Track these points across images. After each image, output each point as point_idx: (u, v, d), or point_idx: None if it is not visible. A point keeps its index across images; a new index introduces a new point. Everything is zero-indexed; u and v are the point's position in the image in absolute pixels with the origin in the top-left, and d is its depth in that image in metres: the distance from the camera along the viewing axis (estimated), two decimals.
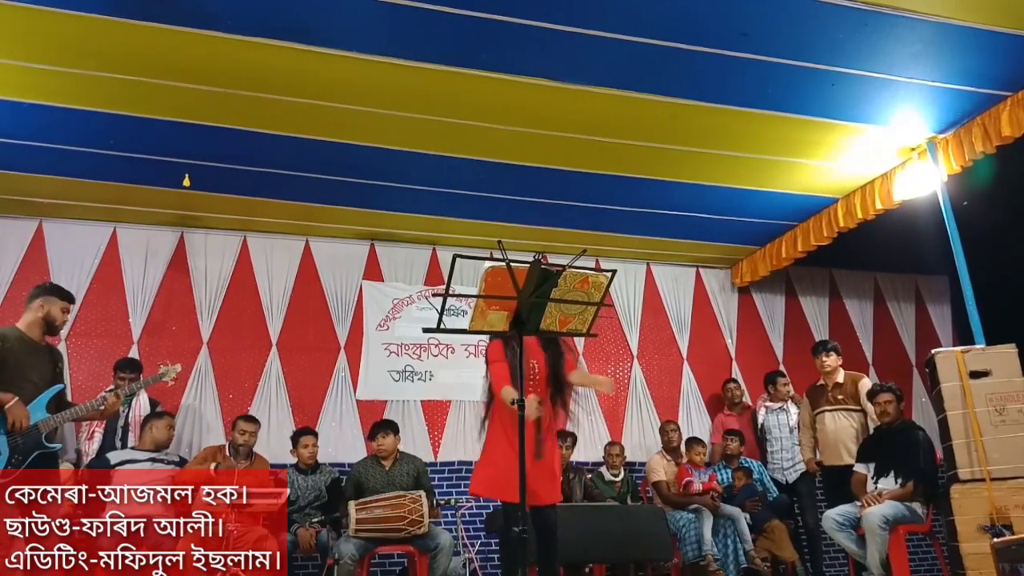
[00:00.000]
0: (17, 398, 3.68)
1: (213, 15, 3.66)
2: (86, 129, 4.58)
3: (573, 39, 3.88)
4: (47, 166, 5.04)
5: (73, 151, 4.84)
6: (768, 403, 6.28)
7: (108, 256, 5.95)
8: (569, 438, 5.66)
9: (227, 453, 4.95)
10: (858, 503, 4.83)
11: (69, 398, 4.14)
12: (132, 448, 4.96)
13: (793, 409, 6.11)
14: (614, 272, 2.85)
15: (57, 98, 4.29)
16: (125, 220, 5.96)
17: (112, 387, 4.73)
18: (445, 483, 6.11)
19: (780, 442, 6.06)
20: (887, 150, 5.11)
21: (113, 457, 4.72)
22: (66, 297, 4.00)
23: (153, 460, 4.83)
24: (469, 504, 5.76)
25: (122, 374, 5.10)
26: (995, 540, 3.83)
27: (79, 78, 4.09)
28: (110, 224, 5.98)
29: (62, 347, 5.22)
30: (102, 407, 3.99)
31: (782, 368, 7.03)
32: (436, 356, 6.46)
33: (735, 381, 6.72)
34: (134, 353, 5.69)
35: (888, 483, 4.79)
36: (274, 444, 5.66)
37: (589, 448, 6.29)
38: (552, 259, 3.00)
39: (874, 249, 6.87)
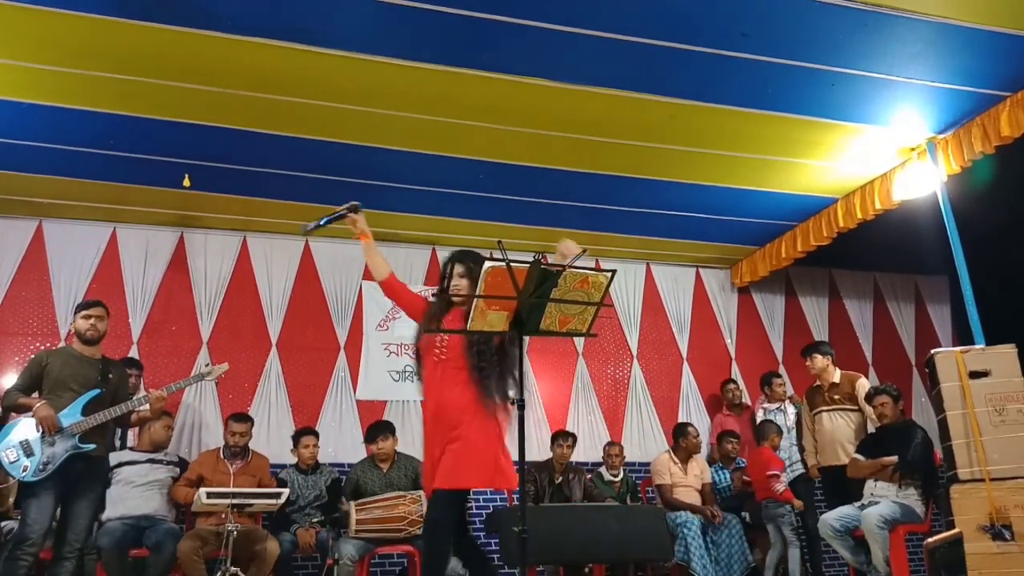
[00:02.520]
0: (44, 402, 3.81)
1: (213, 15, 3.66)
2: (86, 129, 4.59)
3: (572, 39, 3.89)
4: (47, 166, 5.04)
5: (73, 151, 4.84)
6: (766, 404, 6.29)
7: (108, 256, 5.95)
8: (570, 438, 5.66)
9: (222, 455, 4.96)
10: (856, 503, 4.84)
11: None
12: (130, 449, 4.97)
13: (791, 409, 6.11)
14: (614, 272, 2.84)
15: (57, 98, 4.30)
16: (125, 220, 5.96)
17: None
18: None
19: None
20: (887, 150, 5.12)
21: (112, 458, 4.72)
22: (82, 307, 4.13)
23: (152, 461, 4.84)
24: (469, 504, 5.77)
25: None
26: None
27: (79, 78, 4.10)
28: (110, 224, 5.99)
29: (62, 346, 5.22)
30: (141, 407, 4.08)
31: (781, 368, 7.04)
32: None
33: (734, 382, 6.72)
34: (134, 353, 5.70)
35: (885, 484, 4.80)
36: (274, 444, 5.66)
37: (588, 448, 6.29)
38: (552, 259, 2.97)
39: (874, 249, 6.88)
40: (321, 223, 3.28)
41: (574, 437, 5.71)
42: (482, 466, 2.98)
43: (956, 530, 3.88)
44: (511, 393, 3.04)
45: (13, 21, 3.62)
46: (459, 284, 3.15)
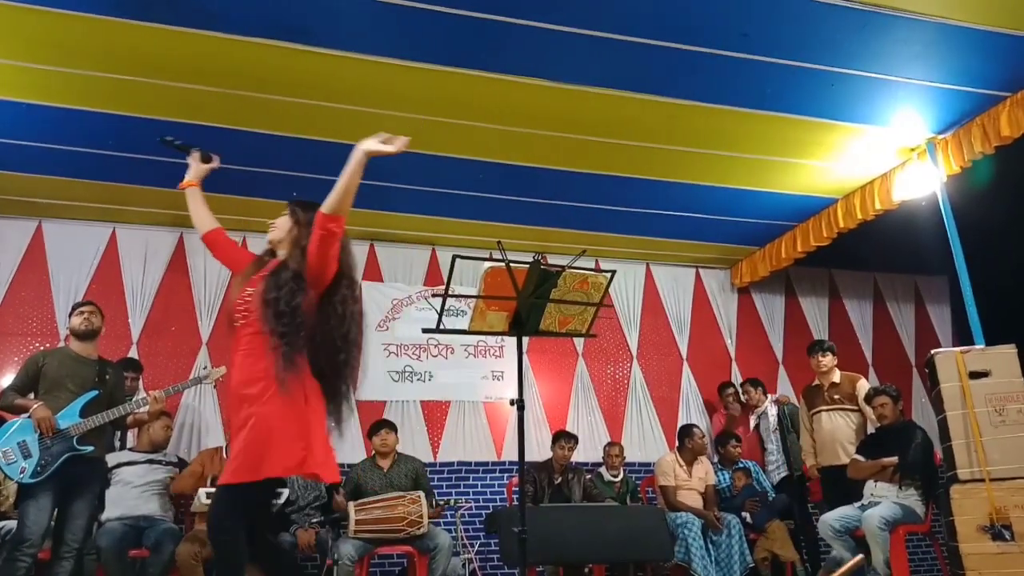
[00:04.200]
0: (41, 403, 3.81)
1: (213, 15, 3.66)
2: (85, 129, 4.58)
3: (572, 39, 3.88)
4: (46, 166, 5.04)
5: (72, 151, 4.84)
6: (757, 407, 6.33)
7: (107, 256, 5.95)
8: (572, 440, 5.65)
9: (224, 455, 4.95)
10: (856, 503, 4.83)
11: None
12: (129, 449, 4.97)
13: (772, 411, 6.17)
14: (613, 272, 2.85)
15: (57, 98, 4.29)
16: (124, 220, 5.95)
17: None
18: (444, 483, 6.11)
19: (767, 444, 6.12)
20: (887, 150, 5.11)
21: (111, 459, 4.71)
22: (75, 307, 4.18)
23: (151, 462, 4.84)
24: (469, 504, 5.77)
25: (124, 373, 5.10)
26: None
27: (78, 78, 4.09)
28: (109, 224, 5.98)
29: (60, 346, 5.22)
30: (140, 409, 4.10)
31: (781, 368, 7.06)
32: (436, 356, 6.46)
33: (732, 386, 6.70)
34: (133, 353, 5.69)
35: (885, 485, 4.79)
36: None
37: (588, 448, 6.28)
38: (551, 259, 2.96)
39: (874, 249, 6.88)
40: (176, 142, 3.30)
41: (576, 439, 5.70)
42: (281, 449, 2.38)
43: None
44: (342, 366, 2.56)
45: (11, 21, 3.61)
46: (275, 224, 2.65)
